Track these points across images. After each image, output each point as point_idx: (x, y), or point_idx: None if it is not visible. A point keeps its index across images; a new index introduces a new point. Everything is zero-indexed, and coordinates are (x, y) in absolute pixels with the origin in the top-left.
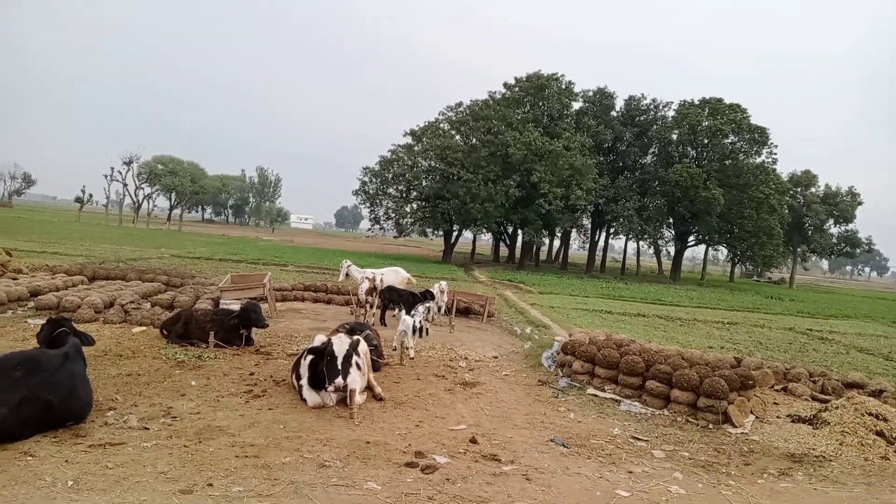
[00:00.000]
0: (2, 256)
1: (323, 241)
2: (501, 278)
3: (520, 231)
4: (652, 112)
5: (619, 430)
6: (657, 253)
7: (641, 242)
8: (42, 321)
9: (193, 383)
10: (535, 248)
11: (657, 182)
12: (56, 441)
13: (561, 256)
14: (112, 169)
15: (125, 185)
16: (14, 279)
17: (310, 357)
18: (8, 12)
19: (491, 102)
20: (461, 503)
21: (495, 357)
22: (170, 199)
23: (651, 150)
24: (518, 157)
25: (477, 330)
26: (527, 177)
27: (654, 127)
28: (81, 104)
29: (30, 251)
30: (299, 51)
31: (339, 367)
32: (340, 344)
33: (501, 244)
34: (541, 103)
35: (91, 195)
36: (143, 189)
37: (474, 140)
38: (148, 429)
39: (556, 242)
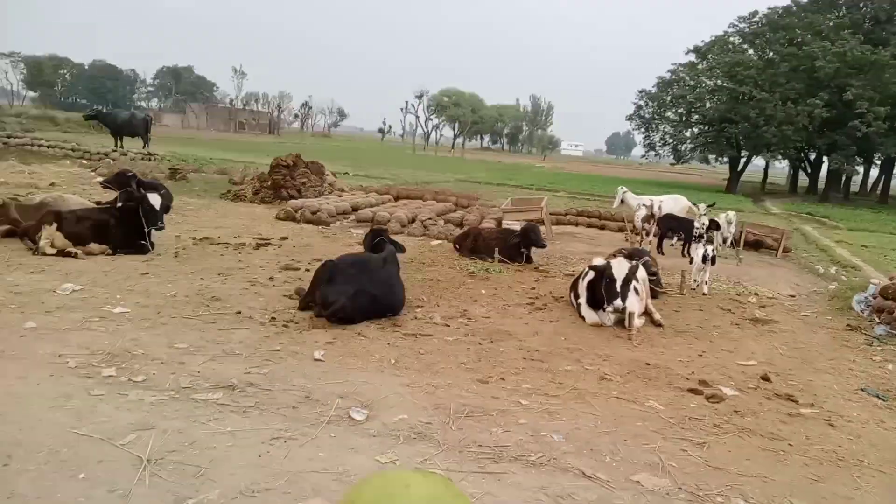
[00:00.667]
0: (330, 178)
1: (594, 169)
2: (799, 211)
3: (825, 158)
4: None
5: None
6: None
7: None
8: (362, 231)
9: (483, 292)
10: (844, 179)
11: None
12: (380, 328)
13: (880, 189)
14: (406, 102)
15: (417, 116)
16: (339, 196)
17: (589, 276)
18: None
19: (794, 8)
20: (751, 437)
21: (792, 296)
22: (453, 129)
23: None
24: (828, 71)
25: (770, 265)
26: (838, 94)
27: None
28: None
29: (345, 173)
30: None
31: (618, 289)
32: (619, 267)
33: (800, 173)
34: (861, 4)
35: (390, 126)
36: (431, 119)
37: (771, 54)
38: (449, 326)
39: (874, 172)
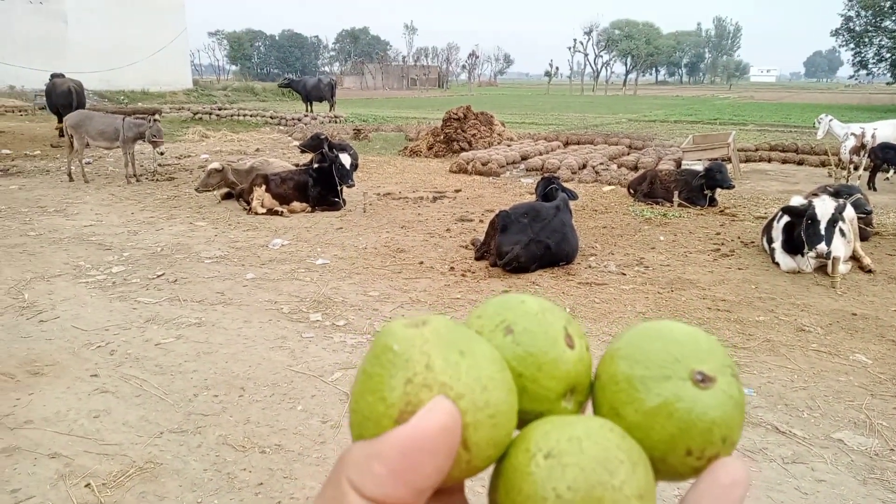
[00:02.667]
0: (499, 128)
1: (788, 96)
2: None
3: None
4: None
5: None
6: None
7: None
8: (532, 180)
9: (661, 238)
10: None
11: None
12: (553, 276)
13: None
14: (574, 40)
15: (585, 54)
16: (508, 145)
17: (785, 218)
18: None
19: None
20: None
21: None
22: (625, 65)
23: None
24: None
25: None
26: None
27: None
28: None
29: (513, 122)
30: None
31: (822, 231)
32: (824, 206)
33: None
34: None
35: (557, 68)
36: (601, 56)
37: None
38: (625, 274)
39: None
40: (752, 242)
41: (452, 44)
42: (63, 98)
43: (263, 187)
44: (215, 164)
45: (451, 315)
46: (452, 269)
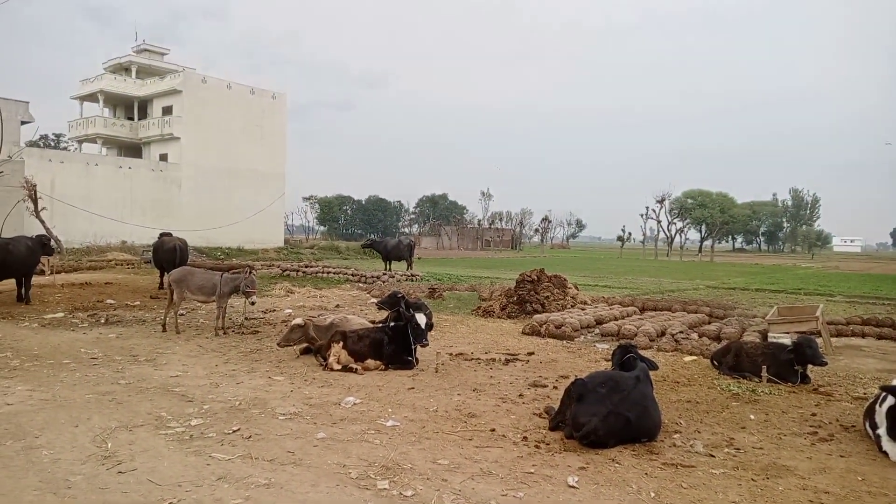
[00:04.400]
0: (572, 290)
1: (877, 266)
2: None
3: None
4: None
5: None
6: None
7: None
8: (608, 345)
9: (752, 417)
10: None
11: None
12: (634, 454)
13: None
14: (647, 208)
15: (658, 221)
16: (582, 309)
17: (889, 401)
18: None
19: None
20: None
21: None
22: (700, 231)
23: None
24: None
25: None
26: None
27: None
28: (618, 150)
29: (585, 284)
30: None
31: None
32: None
33: None
34: None
35: (630, 233)
36: (674, 224)
37: None
38: (714, 456)
39: None
40: (853, 426)
41: (526, 209)
42: (168, 254)
43: (341, 344)
44: (298, 321)
45: (525, 492)
46: (525, 438)
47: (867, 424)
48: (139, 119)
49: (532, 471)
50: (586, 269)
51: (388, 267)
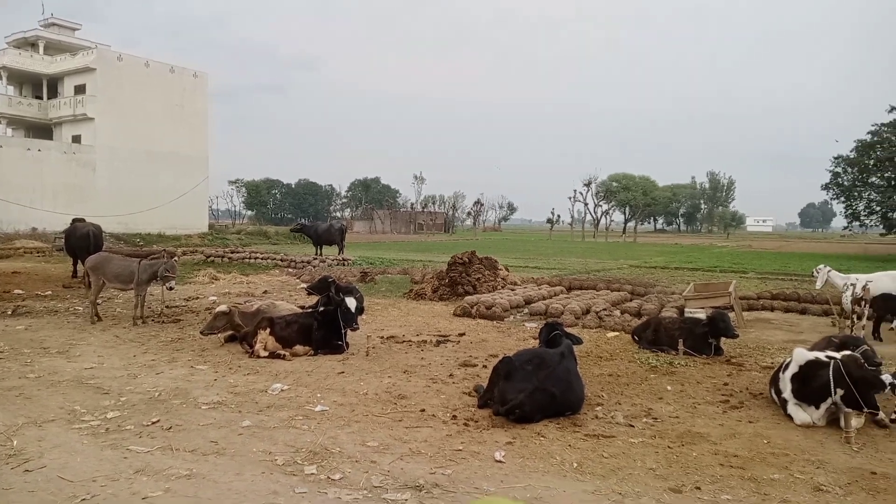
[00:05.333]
0: (503, 272)
1: (786, 245)
2: None
3: None
4: None
5: None
6: None
7: None
8: (536, 324)
9: (669, 388)
10: None
11: None
12: (559, 427)
13: None
14: (575, 191)
15: (585, 204)
16: (512, 289)
17: (792, 369)
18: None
19: None
20: None
21: None
22: (624, 213)
23: None
24: None
25: None
26: None
27: None
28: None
29: (516, 266)
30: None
31: (832, 386)
32: (830, 359)
33: None
34: None
35: (559, 216)
36: (600, 206)
37: None
38: (633, 426)
39: None
40: (761, 394)
41: (459, 192)
42: (81, 241)
43: (268, 330)
44: (223, 308)
45: (453, 469)
46: (455, 417)
47: (773, 391)
48: (49, 98)
49: (460, 448)
50: (517, 251)
51: (318, 252)
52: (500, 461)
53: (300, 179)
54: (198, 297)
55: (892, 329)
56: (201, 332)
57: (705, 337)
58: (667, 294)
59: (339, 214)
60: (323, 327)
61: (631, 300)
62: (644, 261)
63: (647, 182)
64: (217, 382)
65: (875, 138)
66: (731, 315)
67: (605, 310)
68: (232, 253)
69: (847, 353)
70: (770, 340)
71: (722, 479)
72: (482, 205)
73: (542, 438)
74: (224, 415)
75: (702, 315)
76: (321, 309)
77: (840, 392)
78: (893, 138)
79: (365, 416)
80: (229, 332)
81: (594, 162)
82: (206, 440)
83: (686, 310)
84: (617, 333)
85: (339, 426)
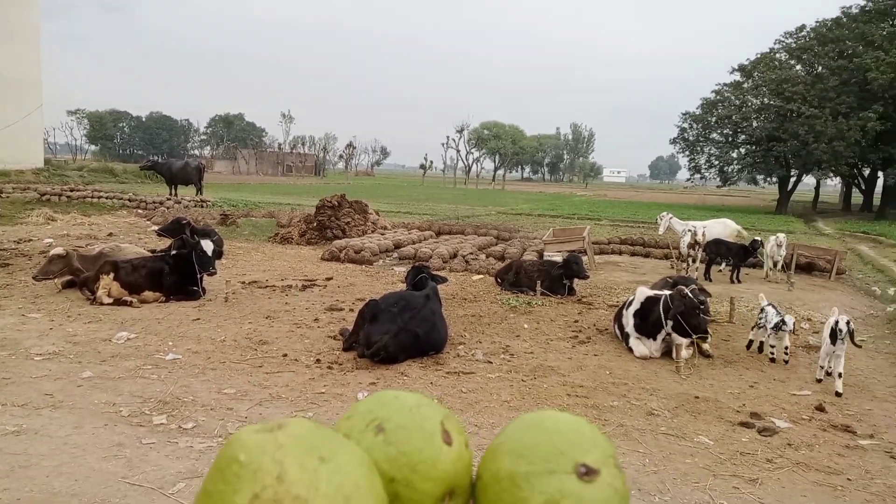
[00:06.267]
0: (373, 216)
1: (636, 195)
2: (854, 230)
3: (881, 173)
4: None
5: None
6: None
7: None
8: (405, 268)
9: (526, 326)
10: None
11: None
12: (422, 366)
13: None
14: (448, 137)
15: (458, 150)
16: (382, 234)
17: (633, 306)
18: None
19: (844, 20)
20: (806, 471)
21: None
22: (494, 161)
23: None
24: (882, 82)
25: (822, 289)
26: (893, 106)
27: None
28: (422, 88)
29: (389, 210)
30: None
31: (663, 318)
32: (663, 295)
33: (854, 190)
34: None
35: (432, 162)
36: (472, 153)
37: (820, 68)
38: (491, 363)
39: None
40: (607, 329)
41: (330, 133)
42: None
43: (112, 275)
44: (58, 250)
45: (315, 412)
46: (318, 361)
47: (616, 327)
48: None
49: (323, 391)
50: (390, 196)
51: (173, 192)
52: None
53: (152, 112)
54: (30, 240)
55: (720, 271)
56: (34, 278)
57: (560, 278)
58: (529, 239)
59: (197, 152)
60: (176, 272)
61: (496, 244)
62: (511, 207)
63: (516, 131)
64: (53, 332)
65: (717, 97)
66: (585, 258)
67: (471, 254)
68: (71, 191)
69: (677, 288)
70: (617, 281)
71: (568, 407)
72: (354, 148)
73: (405, 377)
74: (61, 366)
75: (559, 258)
76: (174, 252)
77: (670, 323)
78: (733, 98)
79: (222, 363)
80: (67, 278)
81: (468, 109)
82: (40, 393)
83: (545, 253)
84: (482, 276)
85: (192, 374)
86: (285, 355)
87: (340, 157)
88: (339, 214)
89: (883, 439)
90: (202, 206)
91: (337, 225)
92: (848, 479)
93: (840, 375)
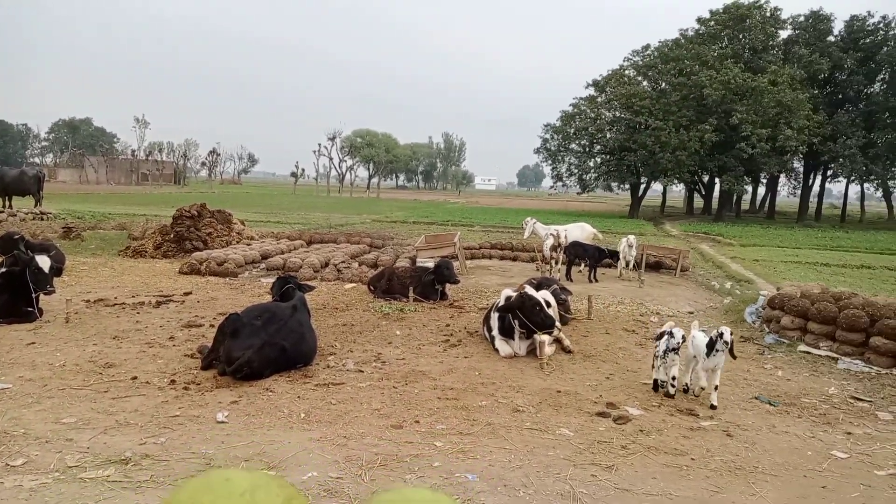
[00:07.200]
0: (238, 226)
1: (506, 202)
2: (696, 231)
3: (717, 180)
4: (882, 32)
5: (836, 390)
6: (887, 196)
7: (866, 185)
8: (272, 279)
9: (398, 333)
10: (735, 198)
11: (888, 114)
12: (289, 380)
13: (767, 205)
14: (319, 145)
15: (330, 158)
16: (248, 245)
17: (500, 309)
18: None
19: (682, 41)
20: (656, 454)
21: (690, 312)
22: (368, 169)
23: (880, 76)
24: (715, 98)
25: (669, 285)
26: (725, 119)
27: (885, 49)
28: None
29: (257, 220)
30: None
31: (511, 318)
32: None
33: (695, 195)
34: (741, 36)
35: (303, 170)
36: (345, 161)
37: (664, 84)
38: (362, 371)
39: (762, 190)
40: (477, 331)
41: (191, 140)
42: None
43: None
44: None
45: (167, 437)
46: (173, 382)
47: (485, 329)
48: None
49: (177, 414)
50: (259, 206)
51: (7, 203)
52: (222, 422)
53: None
54: None
55: (580, 271)
56: None
57: (433, 284)
58: (402, 246)
59: (37, 160)
60: (6, 291)
61: (369, 252)
62: (386, 215)
63: (389, 139)
64: None
65: (575, 110)
66: (456, 263)
67: (343, 262)
68: None
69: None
70: (487, 284)
71: (439, 410)
72: (218, 155)
73: (270, 393)
74: None
75: (431, 264)
76: (3, 270)
77: (517, 322)
78: (588, 111)
79: (61, 390)
80: None
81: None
82: None
83: (418, 259)
84: (354, 285)
85: (25, 405)
86: (135, 378)
87: (203, 164)
88: (200, 225)
89: (721, 419)
90: (42, 219)
91: (197, 236)
92: (692, 458)
93: (716, 388)
